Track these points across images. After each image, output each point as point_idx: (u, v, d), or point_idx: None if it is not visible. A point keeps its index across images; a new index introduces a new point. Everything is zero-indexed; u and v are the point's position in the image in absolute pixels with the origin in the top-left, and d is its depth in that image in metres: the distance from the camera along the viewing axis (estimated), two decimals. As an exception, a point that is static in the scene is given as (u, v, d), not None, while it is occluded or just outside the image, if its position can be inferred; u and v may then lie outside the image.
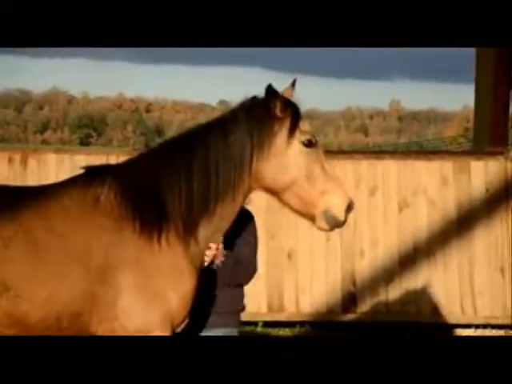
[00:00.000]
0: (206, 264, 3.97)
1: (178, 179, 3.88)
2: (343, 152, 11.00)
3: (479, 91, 10.30)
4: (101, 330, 3.74)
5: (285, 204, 4.02)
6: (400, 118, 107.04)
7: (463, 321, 8.79)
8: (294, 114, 3.97)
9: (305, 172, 3.93)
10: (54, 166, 8.80)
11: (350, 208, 3.99)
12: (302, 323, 8.83)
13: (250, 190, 4.00)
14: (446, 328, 8.69)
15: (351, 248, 8.89)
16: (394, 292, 8.85)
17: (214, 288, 4.18)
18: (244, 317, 4.49)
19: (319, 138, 4.05)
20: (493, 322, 8.76)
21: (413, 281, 8.86)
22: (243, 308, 4.39)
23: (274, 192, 4.01)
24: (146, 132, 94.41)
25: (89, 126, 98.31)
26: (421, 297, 8.81)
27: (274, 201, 4.06)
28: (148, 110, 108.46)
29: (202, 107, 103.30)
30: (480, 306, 8.83)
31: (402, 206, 9.00)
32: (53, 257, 3.72)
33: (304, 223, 4.11)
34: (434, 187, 9.01)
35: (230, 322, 4.29)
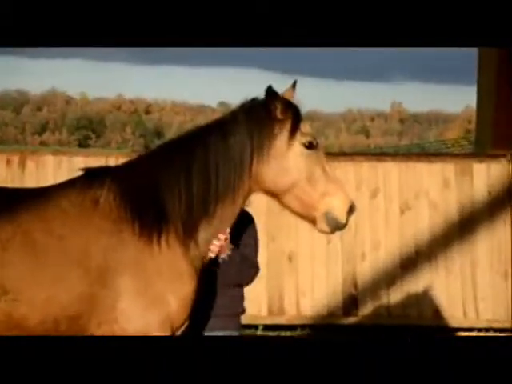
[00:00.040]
0: (212, 255, 3.93)
1: (177, 181, 3.87)
2: (344, 154, 11.04)
3: (481, 92, 10.29)
4: (100, 332, 3.73)
5: (285, 206, 4.00)
6: (401, 120, 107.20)
7: (465, 324, 8.78)
8: (294, 115, 3.95)
9: (305, 174, 3.91)
10: (53, 168, 8.79)
11: (351, 210, 3.96)
12: (302, 326, 8.81)
13: (250, 193, 3.99)
14: (447, 331, 8.66)
15: (352, 251, 8.87)
16: (395, 295, 8.83)
17: (214, 290, 4.15)
18: (244, 320, 4.47)
19: (320, 139, 4.04)
20: (495, 325, 8.73)
21: (414, 284, 8.84)
22: (243, 311, 4.36)
23: (274, 194, 3.99)
24: (145, 134, 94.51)
25: (87, 128, 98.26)
26: (422, 300, 8.79)
27: (274, 203, 4.05)
28: (147, 112, 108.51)
29: (201, 109, 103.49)
30: (482, 309, 8.80)
31: (404, 209, 8.97)
32: (51, 259, 3.70)
33: (305, 226, 4.09)
34: (436, 190, 8.98)
35: (230, 324, 4.26)
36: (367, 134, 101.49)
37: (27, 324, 3.66)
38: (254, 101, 3.98)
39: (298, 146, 3.92)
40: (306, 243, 8.79)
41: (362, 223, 8.77)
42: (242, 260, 4.12)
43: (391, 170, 9.04)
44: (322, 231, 3.99)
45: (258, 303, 8.60)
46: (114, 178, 3.90)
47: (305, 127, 3.97)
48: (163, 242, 3.79)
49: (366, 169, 9.03)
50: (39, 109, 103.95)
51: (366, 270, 8.86)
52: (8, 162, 8.83)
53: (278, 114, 3.91)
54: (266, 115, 3.91)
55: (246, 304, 4.38)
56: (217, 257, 3.97)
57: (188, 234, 3.85)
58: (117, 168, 4.10)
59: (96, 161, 8.17)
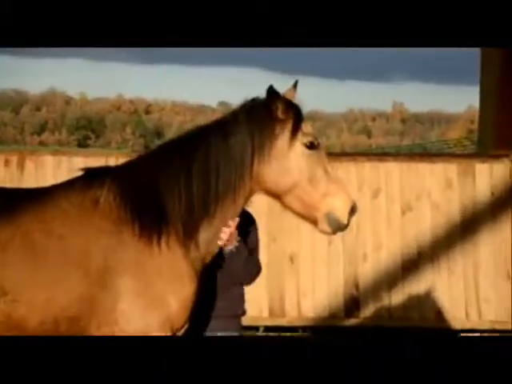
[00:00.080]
0: (220, 243, 3.91)
1: (177, 181, 3.86)
2: (346, 154, 11.02)
3: (484, 93, 10.27)
4: (100, 334, 3.72)
5: (286, 207, 3.98)
6: (403, 120, 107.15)
7: (468, 326, 8.74)
8: (295, 115, 3.94)
9: (307, 174, 3.90)
10: (52, 169, 8.76)
11: (353, 211, 3.94)
12: (303, 328, 8.79)
13: (251, 193, 3.97)
14: (449, 333, 8.63)
15: (354, 252, 8.84)
16: (397, 296, 8.80)
17: (215, 291, 4.13)
18: (245, 321, 4.45)
19: (321, 139, 4.02)
20: (498, 326, 8.70)
21: (416, 285, 8.82)
22: (244, 312, 4.34)
23: (275, 195, 3.97)
24: (145, 134, 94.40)
25: (87, 128, 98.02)
26: (424, 301, 8.77)
27: (275, 204, 4.04)
28: (147, 112, 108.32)
29: (201, 109, 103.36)
30: (485, 310, 8.77)
31: (406, 210, 8.95)
32: (51, 260, 3.70)
33: (306, 226, 4.07)
34: (438, 190, 8.96)
35: (231, 326, 4.25)
36: (369, 134, 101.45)
37: (27, 325, 3.66)
38: (254, 101, 3.97)
39: (299, 147, 3.91)
40: (307, 244, 8.77)
41: (363, 224, 8.75)
42: (249, 254, 4.10)
43: (393, 170, 9.01)
44: (323, 232, 3.98)
45: (258, 304, 8.58)
46: (113, 178, 3.89)
47: (306, 127, 3.95)
48: (163, 243, 3.78)
49: (368, 169, 9.01)
50: (38, 109, 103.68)
51: (367, 271, 8.83)
52: (7, 162, 8.79)
53: (279, 114, 3.89)
54: (267, 115, 3.90)
55: (247, 305, 4.36)
56: (222, 249, 3.94)
57: (188, 234, 3.84)
58: (117, 168, 4.09)
59: (96, 161, 8.15)
